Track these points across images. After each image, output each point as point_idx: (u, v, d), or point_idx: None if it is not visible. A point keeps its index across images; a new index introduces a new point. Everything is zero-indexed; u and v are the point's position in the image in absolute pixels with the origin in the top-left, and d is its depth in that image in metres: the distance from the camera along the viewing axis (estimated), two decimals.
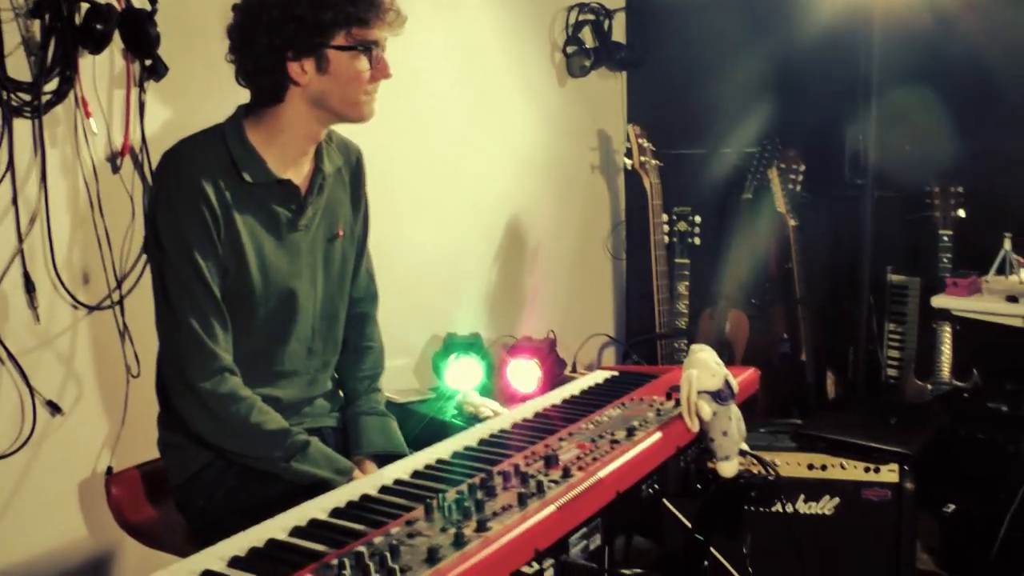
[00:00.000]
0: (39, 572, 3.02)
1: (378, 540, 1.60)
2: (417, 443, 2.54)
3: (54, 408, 2.97)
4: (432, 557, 1.51)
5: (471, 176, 4.50)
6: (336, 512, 1.85)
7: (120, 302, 3.07)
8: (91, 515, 3.09)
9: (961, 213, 4.40)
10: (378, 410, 2.69)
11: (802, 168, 4.84)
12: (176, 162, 2.30)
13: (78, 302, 2.99)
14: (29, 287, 2.88)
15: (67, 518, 3.07)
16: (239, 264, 2.32)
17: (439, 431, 3.58)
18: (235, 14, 2.33)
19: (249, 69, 2.34)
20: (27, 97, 2.80)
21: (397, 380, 4.05)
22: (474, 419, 3.65)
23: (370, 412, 2.67)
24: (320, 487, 2.20)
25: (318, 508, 1.85)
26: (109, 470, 2.86)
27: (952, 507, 3.83)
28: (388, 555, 1.51)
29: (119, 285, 3.06)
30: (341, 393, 2.73)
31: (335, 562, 1.51)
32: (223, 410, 2.28)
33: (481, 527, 1.62)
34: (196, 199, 2.24)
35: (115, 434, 3.05)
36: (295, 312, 2.46)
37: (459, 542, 1.57)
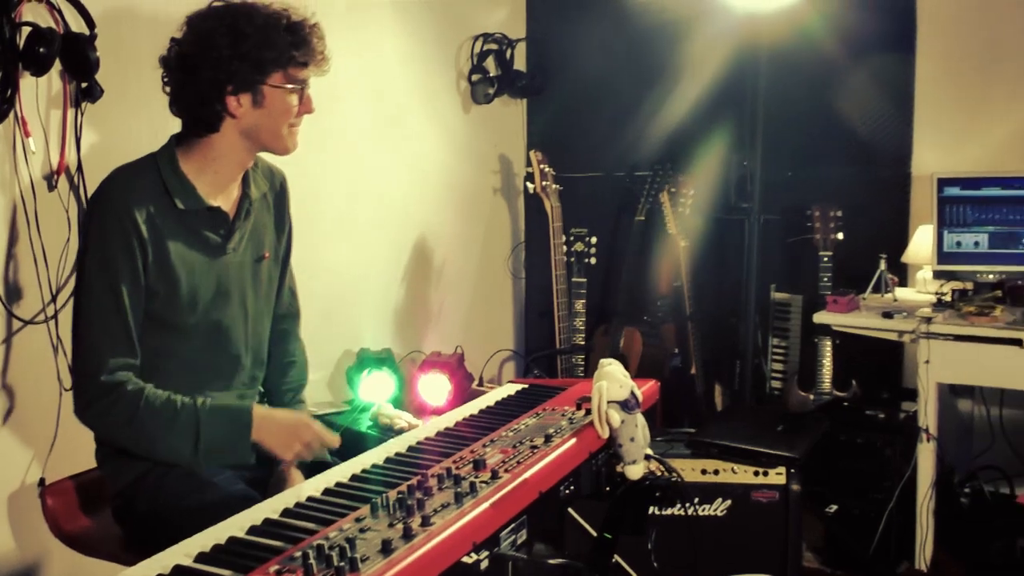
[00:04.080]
0: None
1: (333, 535, 1.72)
2: (334, 453, 2.67)
3: None
4: (386, 548, 1.64)
5: (381, 198, 4.56)
6: (287, 512, 1.95)
7: (54, 316, 3.07)
8: (20, 527, 3.06)
9: (840, 235, 4.59)
10: None
11: (692, 192, 5.01)
12: (110, 190, 2.38)
13: (13, 316, 2.98)
14: None
15: None
16: (169, 287, 2.41)
17: (355, 442, 3.65)
18: (177, 46, 2.42)
19: (188, 100, 2.43)
20: None
21: (312, 393, 3.87)
22: (389, 430, 3.73)
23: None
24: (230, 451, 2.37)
25: (269, 509, 1.96)
26: (42, 482, 2.83)
27: (834, 507, 4.00)
28: (347, 547, 1.63)
29: (54, 299, 3.06)
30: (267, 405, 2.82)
31: (298, 554, 1.62)
32: (115, 400, 2.33)
33: (426, 522, 1.75)
34: (127, 228, 2.32)
35: (47, 447, 3.03)
36: (225, 331, 2.56)
37: (408, 535, 1.69)
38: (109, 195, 2.38)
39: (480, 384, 4.44)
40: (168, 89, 2.46)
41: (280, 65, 2.41)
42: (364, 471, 2.22)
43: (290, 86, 2.44)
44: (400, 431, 3.59)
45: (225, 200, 2.54)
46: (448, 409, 2.93)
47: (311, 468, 2.50)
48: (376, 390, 4.09)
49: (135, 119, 3.26)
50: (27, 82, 2.95)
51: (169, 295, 2.42)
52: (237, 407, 2.46)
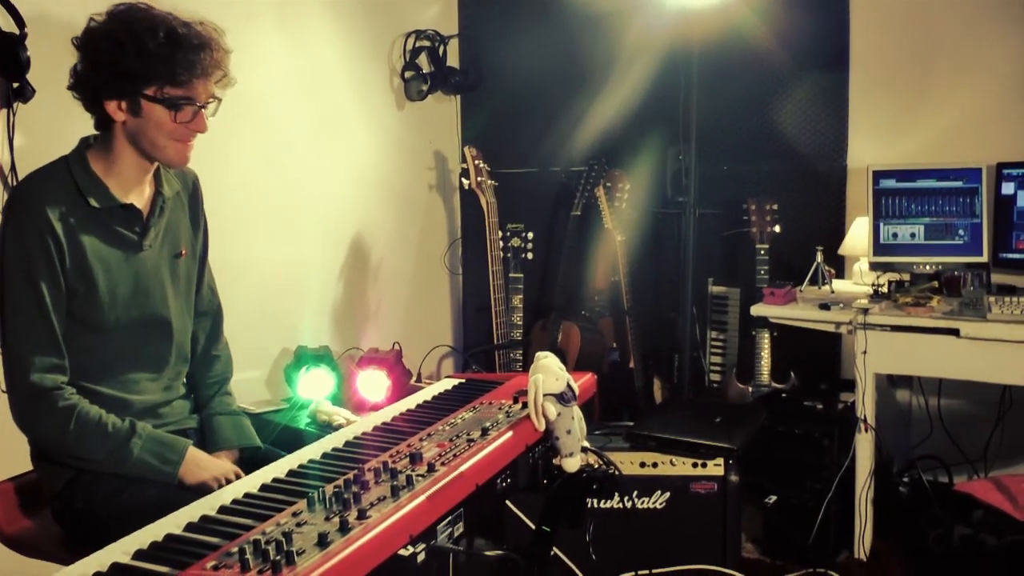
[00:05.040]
0: None
1: (269, 529, 1.72)
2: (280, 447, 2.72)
3: None
4: (322, 541, 1.64)
5: (316, 195, 4.55)
6: (224, 509, 1.98)
7: None
8: None
9: (776, 228, 4.63)
10: (229, 410, 2.83)
11: (627, 187, 5.02)
12: (23, 195, 2.41)
13: None
14: None
15: None
16: (88, 286, 2.43)
17: (294, 439, 3.65)
18: (75, 45, 2.44)
19: (80, 98, 2.47)
20: None
21: (250, 391, 4.10)
22: (328, 427, 3.72)
23: (222, 412, 2.81)
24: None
25: (206, 506, 1.99)
26: None
27: (774, 498, 4.01)
28: (283, 541, 1.63)
29: None
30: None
31: (235, 549, 1.62)
32: (46, 412, 2.37)
33: (362, 515, 1.75)
34: (41, 229, 2.34)
35: None
36: (145, 325, 2.59)
37: (344, 528, 1.70)
38: (22, 198, 2.40)
39: (418, 380, 4.44)
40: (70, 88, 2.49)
41: (151, 80, 2.39)
42: (301, 466, 2.24)
43: (163, 102, 2.41)
44: (339, 427, 3.57)
45: (138, 198, 2.56)
46: (387, 405, 2.91)
47: (253, 464, 2.50)
48: (314, 387, 4.08)
49: (68, 119, 3.12)
50: None
51: (89, 293, 2.44)
52: (171, 441, 2.49)
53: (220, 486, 2.40)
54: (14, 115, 3.10)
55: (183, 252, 2.70)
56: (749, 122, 5.04)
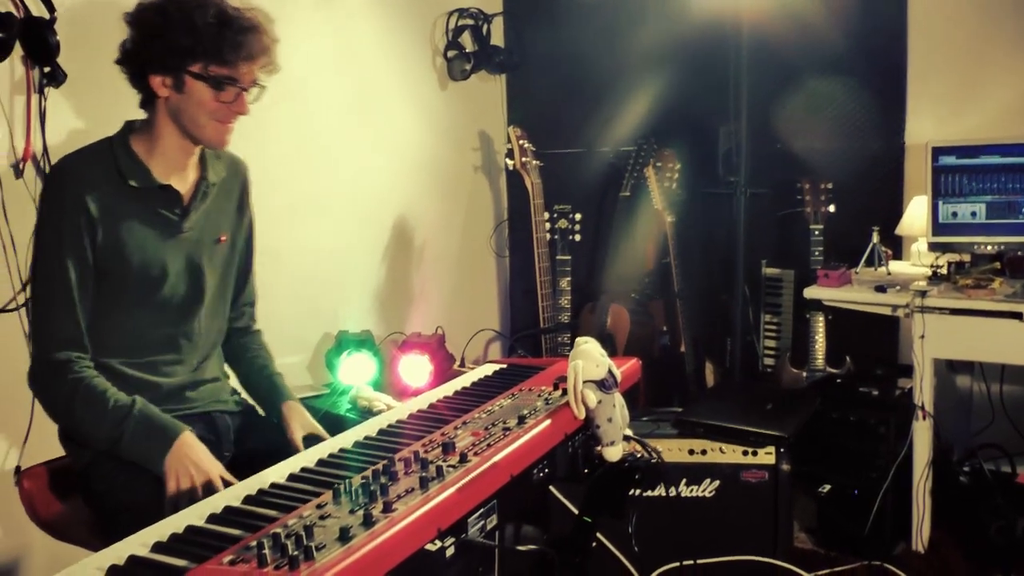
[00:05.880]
0: None
1: (292, 522, 1.67)
2: (313, 437, 2.69)
3: None
4: (344, 536, 1.58)
5: (358, 178, 4.51)
6: (248, 499, 1.93)
7: (25, 304, 3.06)
8: (2, 517, 3.10)
9: (831, 208, 4.52)
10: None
11: (677, 166, 4.94)
12: (63, 173, 2.44)
13: None
14: None
15: None
16: (121, 264, 2.46)
17: (334, 425, 3.59)
18: (127, 16, 2.46)
19: (126, 70, 2.49)
20: None
21: (291, 376, 3.90)
22: (368, 413, 3.68)
23: (278, 373, 2.89)
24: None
25: (231, 496, 1.94)
26: (17, 469, 2.79)
27: (827, 487, 3.92)
28: (303, 535, 1.58)
29: (24, 288, 3.05)
30: (237, 380, 2.91)
31: (254, 543, 1.58)
32: (56, 379, 2.40)
33: (387, 508, 1.69)
34: (76, 209, 2.38)
35: (22, 437, 3.03)
36: (177, 307, 2.61)
37: (368, 522, 1.64)
38: (62, 176, 2.44)
39: (462, 365, 4.39)
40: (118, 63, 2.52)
41: (197, 56, 2.41)
42: (332, 455, 2.20)
43: (208, 80, 2.43)
44: (379, 413, 3.53)
45: (180, 182, 2.58)
46: (428, 390, 2.85)
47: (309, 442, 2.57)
48: (356, 372, 4.05)
49: (100, 103, 3.20)
50: None
51: (121, 273, 2.48)
52: (165, 424, 2.43)
53: (197, 486, 2.34)
54: (45, 100, 3.08)
55: (223, 238, 2.71)
56: (802, 99, 4.88)
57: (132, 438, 2.37)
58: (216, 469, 2.37)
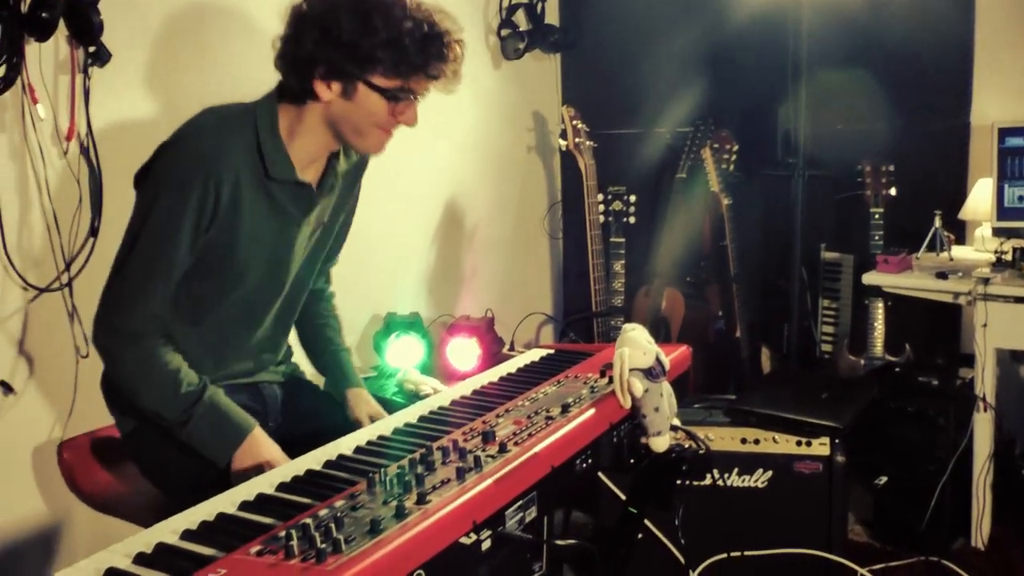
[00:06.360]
0: None
1: (323, 512, 1.64)
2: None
3: (6, 388, 2.97)
4: (374, 528, 1.55)
5: (409, 158, 4.40)
6: (283, 486, 1.90)
7: (69, 284, 3.05)
8: (45, 490, 3.10)
9: (892, 191, 4.41)
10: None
11: (735, 148, 4.86)
12: (201, 143, 2.26)
13: (28, 284, 2.98)
14: None
15: (21, 492, 3.08)
16: (231, 248, 2.33)
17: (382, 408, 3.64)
18: (306, 4, 2.28)
19: (285, 61, 2.30)
20: None
21: None
22: (415, 396, 3.66)
23: (345, 349, 2.83)
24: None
25: (266, 483, 1.91)
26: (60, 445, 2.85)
27: (884, 479, 3.86)
28: (332, 526, 1.55)
29: (68, 267, 3.04)
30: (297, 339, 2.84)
31: (282, 533, 1.54)
32: (131, 354, 2.29)
33: (421, 500, 1.65)
34: (206, 191, 2.22)
35: (66, 413, 3.06)
36: (271, 298, 2.53)
37: (400, 514, 1.60)
38: (200, 147, 2.25)
39: (511, 348, 4.37)
40: (278, 42, 2.33)
41: (391, 71, 2.25)
42: (370, 443, 2.17)
43: (385, 93, 2.27)
44: (425, 397, 3.51)
45: (312, 174, 2.45)
46: (475, 374, 2.82)
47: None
48: (404, 355, 4.03)
49: (145, 83, 3.22)
50: (32, 48, 2.90)
51: (222, 257, 2.34)
52: (235, 419, 2.34)
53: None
54: (89, 79, 3.05)
55: (325, 221, 2.59)
56: (863, 77, 4.76)
57: (198, 426, 2.28)
58: (283, 460, 2.31)
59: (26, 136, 2.95)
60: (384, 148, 2.41)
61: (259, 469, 2.22)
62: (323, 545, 1.48)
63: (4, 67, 2.82)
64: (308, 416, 2.67)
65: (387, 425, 2.26)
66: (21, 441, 3.07)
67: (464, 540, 1.66)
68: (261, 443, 2.32)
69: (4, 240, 2.91)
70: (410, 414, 2.34)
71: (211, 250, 2.31)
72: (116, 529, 2.54)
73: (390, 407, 2.73)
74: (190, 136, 2.27)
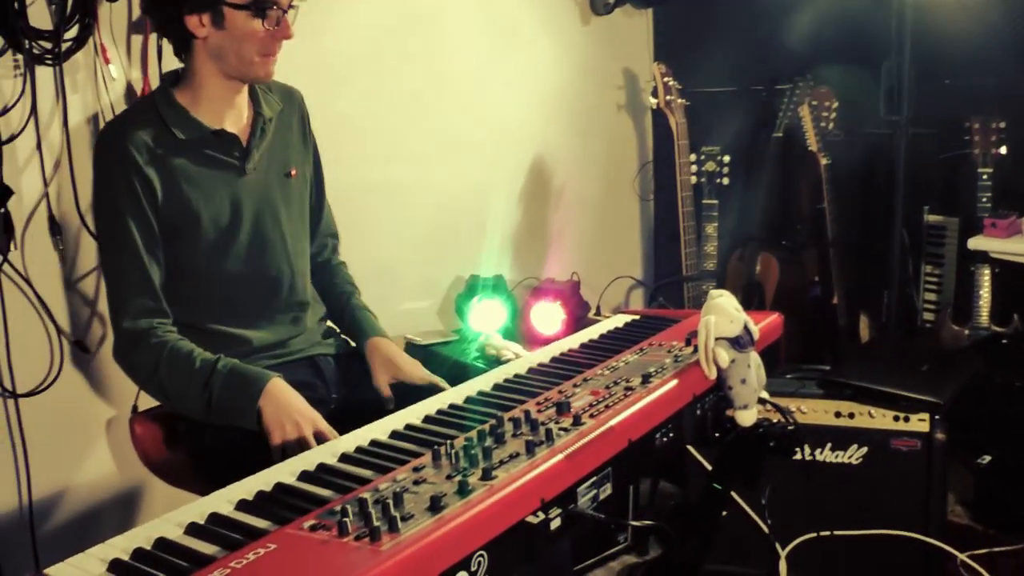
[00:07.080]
0: (72, 505, 3.11)
1: (383, 486, 1.60)
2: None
3: (81, 348, 3.04)
4: (435, 505, 1.50)
5: (494, 116, 4.44)
6: (344, 457, 1.87)
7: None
8: (118, 452, 3.18)
9: (1002, 150, 4.24)
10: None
11: (835, 105, 4.71)
12: (107, 137, 2.44)
13: None
14: (55, 230, 2.95)
15: (96, 454, 3.15)
16: (187, 217, 2.43)
17: (461, 373, 3.57)
18: None
19: (157, 20, 2.46)
20: (48, 45, 2.84)
21: (421, 321, 4.07)
22: (496, 361, 3.57)
23: (364, 308, 2.84)
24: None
25: (328, 453, 1.89)
26: (135, 408, 2.90)
27: (987, 458, 3.74)
28: (391, 502, 1.49)
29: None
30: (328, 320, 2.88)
31: (339, 508, 1.50)
32: (139, 349, 2.36)
33: (486, 475, 1.60)
34: (126, 170, 2.34)
35: None
36: (260, 251, 2.57)
37: (463, 490, 1.55)
38: (106, 140, 2.43)
39: (597, 313, 4.28)
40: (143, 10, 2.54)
41: None
42: (439, 412, 2.11)
43: (249, 8, 2.35)
44: (507, 363, 3.44)
45: (234, 123, 2.54)
46: (559, 339, 2.78)
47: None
48: (487, 319, 3.99)
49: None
50: (104, 8, 2.98)
51: (191, 226, 2.45)
52: (254, 374, 2.36)
53: (297, 436, 2.25)
54: (162, 39, 3.07)
55: (293, 172, 2.67)
56: (973, 28, 4.54)
57: (221, 396, 2.31)
58: (317, 418, 2.29)
59: (98, 96, 3.02)
60: (271, 71, 2.46)
61: (295, 426, 2.24)
62: (378, 523, 1.42)
63: (76, 27, 2.90)
64: (368, 390, 2.67)
65: (459, 393, 2.21)
66: (96, 401, 3.14)
67: (531, 519, 1.59)
68: (284, 390, 2.32)
69: (77, 200, 2.96)
70: (484, 381, 2.29)
71: (177, 223, 2.41)
72: (186, 496, 2.55)
73: (469, 373, 2.72)
74: (99, 140, 2.47)
